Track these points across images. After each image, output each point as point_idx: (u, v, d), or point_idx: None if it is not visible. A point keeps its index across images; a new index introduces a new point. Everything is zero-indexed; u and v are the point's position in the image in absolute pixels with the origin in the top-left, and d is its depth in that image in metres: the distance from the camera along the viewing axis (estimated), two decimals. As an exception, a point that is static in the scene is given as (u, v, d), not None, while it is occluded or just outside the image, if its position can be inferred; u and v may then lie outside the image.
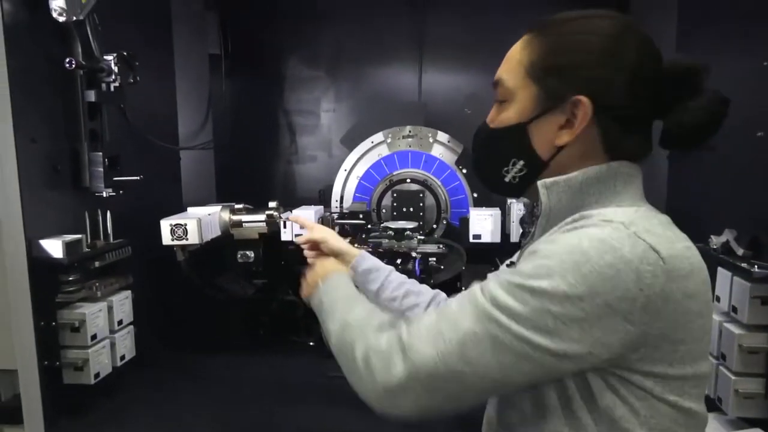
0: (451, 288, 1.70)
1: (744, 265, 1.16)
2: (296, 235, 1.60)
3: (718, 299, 1.24)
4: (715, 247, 1.29)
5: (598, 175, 0.73)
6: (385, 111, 2.06)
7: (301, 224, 1.21)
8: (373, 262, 1.11)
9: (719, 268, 1.24)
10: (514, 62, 0.78)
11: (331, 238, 1.13)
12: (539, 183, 0.75)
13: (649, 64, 0.73)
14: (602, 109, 0.72)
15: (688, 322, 0.65)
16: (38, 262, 1.24)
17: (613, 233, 0.63)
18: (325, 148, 2.22)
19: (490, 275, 0.74)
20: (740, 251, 1.22)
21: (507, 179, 0.79)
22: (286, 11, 2.08)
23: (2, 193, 1.18)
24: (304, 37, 2.13)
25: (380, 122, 1.99)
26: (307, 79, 2.17)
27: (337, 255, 1.10)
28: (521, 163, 0.78)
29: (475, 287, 0.69)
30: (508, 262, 0.90)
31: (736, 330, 1.16)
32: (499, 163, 0.80)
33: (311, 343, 1.81)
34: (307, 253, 1.15)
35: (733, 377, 1.16)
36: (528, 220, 0.85)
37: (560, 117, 0.74)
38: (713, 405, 1.21)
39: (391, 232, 1.53)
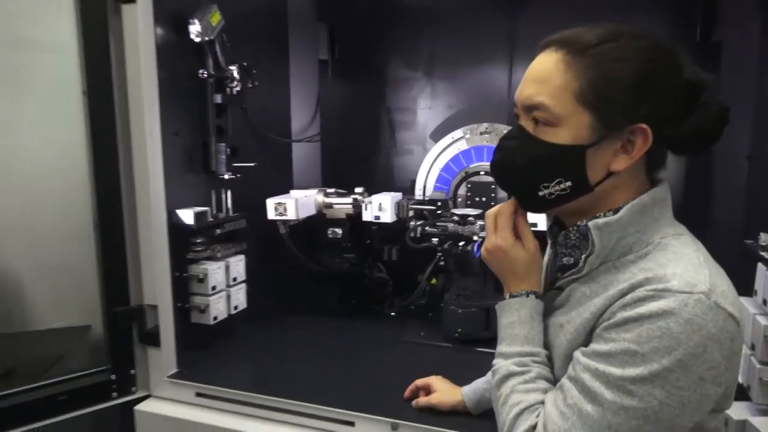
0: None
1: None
2: (376, 216, 1.85)
3: (755, 293, 1.29)
4: (763, 244, 1.33)
5: (642, 208, 0.77)
6: (475, 109, 2.20)
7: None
8: (473, 393, 1.26)
9: (759, 265, 1.29)
10: (557, 86, 0.76)
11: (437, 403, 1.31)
12: (591, 225, 0.77)
13: (677, 74, 0.75)
14: (659, 133, 0.74)
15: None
16: (175, 227, 1.55)
17: (697, 309, 0.67)
18: (421, 142, 2.38)
19: (579, 368, 0.75)
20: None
21: (542, 194, 0.79)
22: (387, 20, 2.30)
23: (152, 174, 1.52)
24: (403, 42, 2.32)
25: (468, 119, 2.14)
26: (406, 79, 2.36)
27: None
28: (568, 183, 0.77)
29: (573, 391, 0.74)
30: (552, 289, 0.91)
31: (764, 321, 1.22)
32: (543, 176, 0.78)
33: (392, 314, 2.06)
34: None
35: (758, 366, 1.22)
36: (566, 249, 0.86)
37: (616, 143, 0.75)
38: (744, 392, 1.27)
39: (456, 217, 1.72)
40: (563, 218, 0.89)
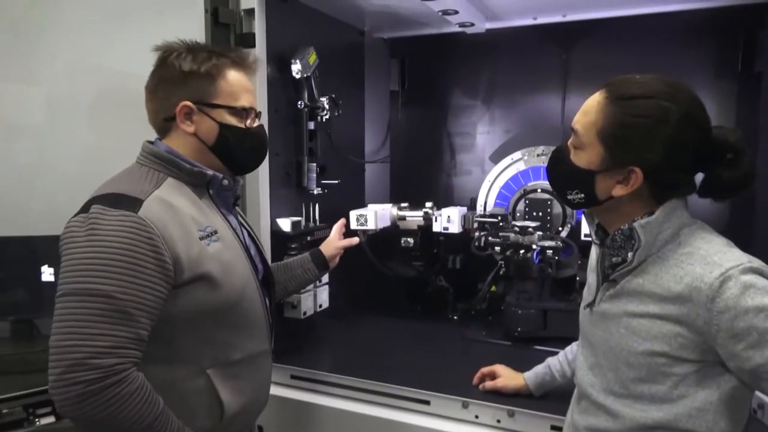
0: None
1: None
2: (444, 227, 2.09)
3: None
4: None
5: (670, 210, 0.99)
6: (530, 133, 2.42)
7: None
8: (535, 377, 1.49)
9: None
10: (590, 121, 0.99)
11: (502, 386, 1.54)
12: (636, 225, 0.98)
13: (693, 137, 0.96)
14: (650, 176, 0.97)
15: None
16: (276, 233, 1.85)
17: (757, 277, 0.90)
18: (479, 163, 2.61)
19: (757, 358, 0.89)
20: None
21: (569, 197, 1.06)
22: (451, 56, 2.55)
23: (260, 188, 1.79)
24: (464, 75, 2.57)
25: (524, 143, 2.35)
26: (466, 107, 2.60)
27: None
28: (582, 195, 1.04)
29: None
30: (589, 301, 1.13)
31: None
32: (567, 185, 1.07)
33: (455, 318, 2.27)
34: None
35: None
36: (613, 250, 1.05)
37: (618, 175, 0.98)
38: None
39: (517, 228, 1.94)
40: (604, 225, 1.11)
